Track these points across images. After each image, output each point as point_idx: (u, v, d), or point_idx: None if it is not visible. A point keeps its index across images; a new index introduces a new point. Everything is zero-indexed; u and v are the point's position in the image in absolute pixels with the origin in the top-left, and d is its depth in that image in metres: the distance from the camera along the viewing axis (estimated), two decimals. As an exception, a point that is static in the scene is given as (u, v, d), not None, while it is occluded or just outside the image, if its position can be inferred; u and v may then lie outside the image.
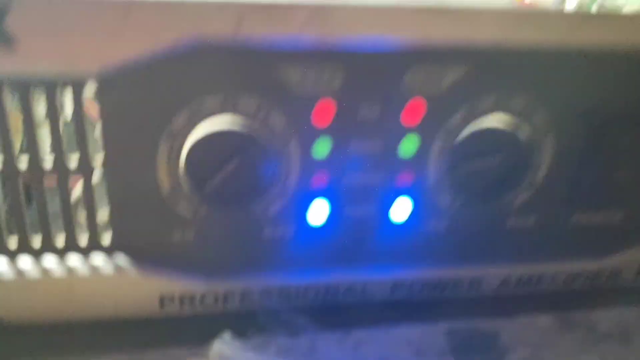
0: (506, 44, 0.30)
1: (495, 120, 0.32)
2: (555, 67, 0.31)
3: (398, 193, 0.33)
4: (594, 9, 0.33)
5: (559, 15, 0.30)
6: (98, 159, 0.29)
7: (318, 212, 0.32)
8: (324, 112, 0.30)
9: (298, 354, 0.29)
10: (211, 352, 0.27)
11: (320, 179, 0.31)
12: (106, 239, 0.31)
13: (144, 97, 0.28)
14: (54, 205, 0.30)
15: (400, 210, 0.33)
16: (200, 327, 0.32)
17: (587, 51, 0.31)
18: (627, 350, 0.33)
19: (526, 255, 0.36)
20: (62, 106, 0.29)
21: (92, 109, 0.29)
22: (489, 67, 0.31)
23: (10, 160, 0.28)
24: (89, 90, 0.28)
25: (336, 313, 0.34)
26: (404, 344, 0.33)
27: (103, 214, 0.30)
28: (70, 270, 0.30)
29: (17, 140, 0.29)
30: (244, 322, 0.32)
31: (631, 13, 0.31)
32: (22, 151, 0.29)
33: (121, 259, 0.31)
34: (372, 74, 0.30)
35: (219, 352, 0.27)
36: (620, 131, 0.33)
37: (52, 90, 0.27)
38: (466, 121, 0.31)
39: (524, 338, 0.34)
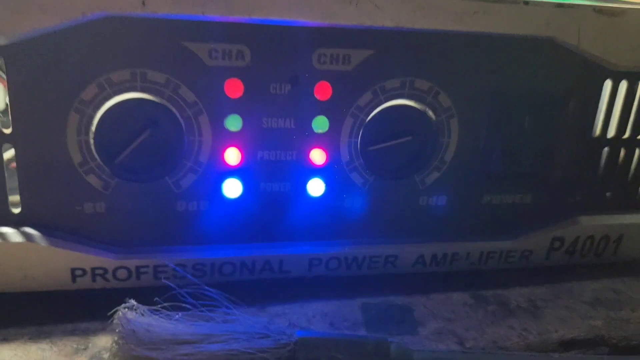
0: (408, 28, 0.31)
1: (402, 100, 0.33)
2: (456, 51, 0.33)
3: (313, 169, 0.34)
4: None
5: (457, 1, 0.32)
6: (7, 131, 0.29)
7: (232, 186, 0.33)
8: (235, 87, 0.31)
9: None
10: (116, 315, 0.27)
11: (233, 153, 0.32)
12: (16, 210, 0.31)
13: (53, 69, 0.29)
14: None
15: (316, 186, 0.34)
16: (112, 301, 0.32)
17: (487, 36, 0.33)
18: (533, 321, 0.34)
19: (440, 234, 0.37)
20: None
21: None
22: (393, 50, 0.32)
23: None
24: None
25: (252, 289, 0.34)
26: (319, 316, 0.33)
27: (13, 185, 0.30)
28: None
29: None
30: (157, 297, 0.32)
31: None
32: None
33: (32, 230, 0.31)
34: (281, 53, 0.31)
35: (125, 314, 0.27)
36: (520, 114, 0.35)
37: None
38: (374, 101, 0.33)
39: (438, 312, 0.35)
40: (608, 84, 0.36)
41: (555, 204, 0.38)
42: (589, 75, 0.35)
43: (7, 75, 0.28)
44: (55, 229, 0.31)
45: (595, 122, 0.37)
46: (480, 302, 0.36)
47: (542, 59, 0.34)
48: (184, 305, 0.28)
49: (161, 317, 0.28)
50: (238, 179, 0.33)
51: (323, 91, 0.32)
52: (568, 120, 0.36)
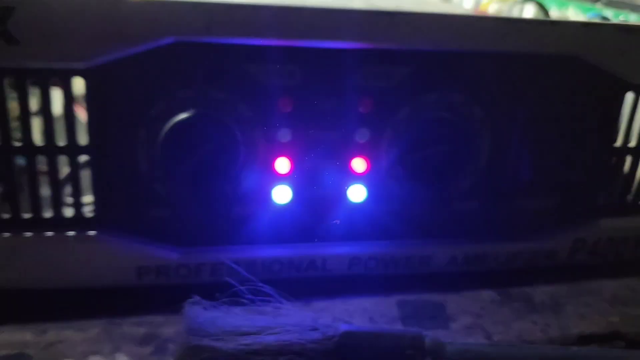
0: (445, 49, 0.34)
1: (438, 113, 0.36)
2: (489, 68, 0.36)
3: (354, 177, 0.37)
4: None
5: (489, 21, 0.34)
6: (84, 144, 0.33)
7: (282, 193, 0.36)
8: (286, 103, 0.34)
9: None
10: (184, 309, 0.30)
11: (283, 162, 0.35)
12: (90, 214, 0.34)
13: (126, 89, 0.32)
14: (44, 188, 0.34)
15: (357, 192, 0.37)
16: (174, 296, 0.35)
17: (517, 54, 0.35)
18: (557, 317, 0.37)
19: (471, 236, 0.40)
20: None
21: (80, 101, 0.33)
22: (431, 68, 0.35)
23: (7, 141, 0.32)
24: (78, 84, 0.31)
25: (298, 286, 0.37)
26: (359, 312, 0.37)
27: (88, 192, 0.34)
28: (55, 242, 0.34)
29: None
30: (214, 293, 0.35)
31: (554, 19, 0.35)
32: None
33: (103, 232, 0.34)
34: (328, 72, 0.34)
35: (191, 308, 0.30)
36: (548, 125, 0.38)
37: (45, 83, 0.31)
38: (412, 113, 0.36)
39: (468, 308, 0.38)
40: (629, 97, 0.38)
41: (579, 207, 0.41)
42: (612, 88, 0.38)
43: (86, 95, 0.32)
44: (124, 232, 0.34)
45: (617, 132, 0.39)
46: (506, 299, 0.39)
47: (567, 75, 0.37)
48: (241, 300, 0.32)
49: (223, 311, 0.31)
50: (287, 185, 0.36)
51: (365, 105, 0.35)
52: (591, 131, 0.39)
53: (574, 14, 0.56)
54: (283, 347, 0.30)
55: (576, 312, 0.38)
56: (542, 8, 0.53)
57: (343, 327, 0.31)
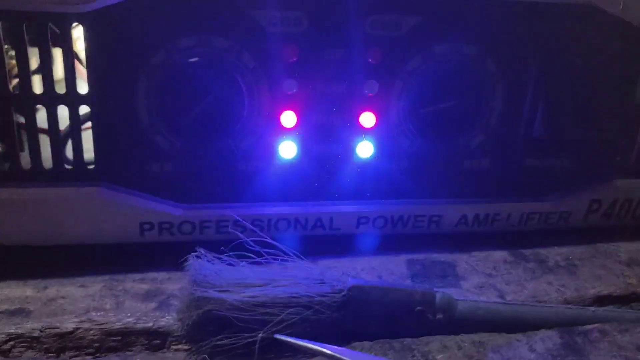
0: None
1: (449, 65, 0.35)
2: (502, 18, 0.34)
3: (362, 132, 0.35)
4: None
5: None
6: (83, 92, 0.32)
7: (287, 149, 0.35)
8: (291, 51, 0.33)
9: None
10: (188, 262, 0.30)
11: (289, 116, 0.34)
12: (91, 166, 0.33)
13: (125, 35, 0.31)
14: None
15: (365, 148, 0.36)
16: (178, 253, 0.34)
17: (531, 3, 0.34)
18: (570, 278, 0.36)
19: (482, 196, 0.38)
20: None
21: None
22: (442, 17, 0.34)
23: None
24: (76, 30, 0.30)
25: (305, 244, 0.36)
26: (367, 269, 0.36)
27: (89, 145, 0.33)
28: (56, 196, 0.33)
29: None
30: (219, 250, 0.34)
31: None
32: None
33: (105, 187, 0.33)
34: (336, 20, 0.33)
35: (195, 261, 0.29)
36: (563, 80, 0.36)
37: (42, 28, 0.30)
38: (422, 65, 0.34)
39: (479, 268, 0.37)
40: (649, 50, 0.37)
41: (595, 167, 0.39)
42: (632, 39, 0.36)
43: (85, 40, 0.31)
44: (126, 186, 0.34)
45: (637, 87, 0.38)
46: (519, 259, 0.38)
47: (584, 25, 0.35)
48: (247, 254, 0.31)
49: (228, 264, 0.30)
50: (293, 141, 0.35)
51: (374, 55, 0.34)
52: (609, 86, 0.37)
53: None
54: (290, 299, 0.29)
55: (592, 274, 0.37)
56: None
57: (351, 281, 0.30)
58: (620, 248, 0.40)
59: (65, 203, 0.33)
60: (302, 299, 0.29)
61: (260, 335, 0.28)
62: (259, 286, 0.29)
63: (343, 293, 0.30)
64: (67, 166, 0.33)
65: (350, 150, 0.36)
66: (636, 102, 0.38)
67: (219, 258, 0.30)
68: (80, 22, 0.30)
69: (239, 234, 0.30)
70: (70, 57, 0.31)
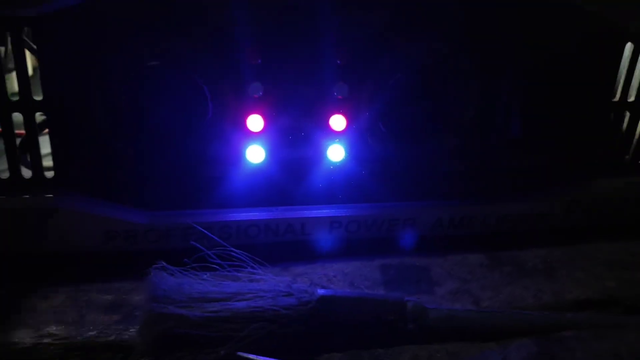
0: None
1: (421, 63, 0.34)
2: (475, 15, 0.33)
3: (333, 135, 0.34)
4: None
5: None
6: (38, 98, 0.30)
7: (255, 153, 0.34)
8: (256, 54, 0.32)
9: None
10: (148, 276, 0.29)
11: (255, 120, 0.33)
12: (50, 174, 0.32)
13: (80, 39, 0.30)
14: None
15: (336, 152, 0.35)
16: (144, 262, 0.33)
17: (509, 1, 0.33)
18: (549, 282, 0.35)
19: (458, 197, 0.37)
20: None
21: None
22: (413, 14, 0.32)
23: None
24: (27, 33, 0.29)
25: (276, 250, 0.35)
26: (339, 276, 0.35)
27: (48, 153, 0.32)
28: (20, 205, 0.32)
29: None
30: (186, 258, 0.33)
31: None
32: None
33: (66, 195, 0.32)
34: (302, 19, 0.32)
35: (156, 275, 0.28)
36: (540, 78, 0.35)
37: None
38: (394, 64, 0.33)
39: (454, 273, 0.36)
40: (629, 48, 0.36)
41: (573, 167, 0.38)
42: (610, 38, 0.35)
43: (36, 45, 0.29)
44: (89, 194, 0.33)
45: (615, 85, 0.37)
46: (496, 263, 0.37)
47: (562, 22, 0.34)
48: (212, 266, 0.30)
49: (190, 277, 0.29)
50: (261, 145, 0.34)
51: (343, 56, 0.33)
52: (587, 84, 0.36)
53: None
54: (254, 313, 0.28)
55: (571, 277, 0.36)
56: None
57: (319, 292, 0.29)
58: (600, 249, 0.39)
59: (25, 213, 0.32)
60: (267, 313, 0.28)
61: (222, 352, 0.27)
62: (222, 300, 0.28)
63: (310, 305, 0.29)
64: (25, 175, 0.32)
65: (321, 154, 0.35)
66: (614, 100, 0.37)
67: (181, 271, 0.29)
68: (31, 26, 0.29)
69: (200, 246, 0.29)
70: (22, 62, 0.29)
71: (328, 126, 0.34)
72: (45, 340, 0.29)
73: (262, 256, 0.33)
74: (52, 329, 0.30)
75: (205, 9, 0.30)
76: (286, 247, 0.36)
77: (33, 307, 0.32)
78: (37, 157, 0.31)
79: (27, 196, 0.32)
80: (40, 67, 0.30)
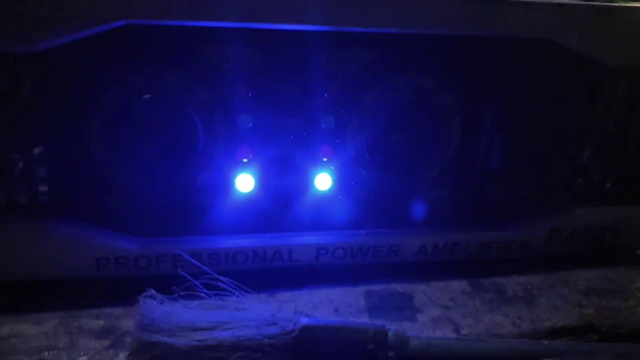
0: (412, 31, 0.33)
1: (406, 98, 0.35)
2: (459, 52, 0.34)
3: (320, 164, 0.35)
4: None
5: (458, 3, 0.33)
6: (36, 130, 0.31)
7: (244, 181, 0.35)
8: (247, 87, 0.33)
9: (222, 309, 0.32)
10: (137, 304, 0.29)
11: (245, 150, 0.34)
12: (45, 204, 0.33)
13: (77, 73, 0.31)
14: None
15: (323, 180, 0.36)
16: (135, 288, 0.34)
17: (488, 37, 0.34)
18: (527, 309, 0.36)
19: (441, 225, 0.39)
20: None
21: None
22: (398, 51, 0.34)
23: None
24: (27, 68, 0.30)
25: (263, 276, 0.36)
26: (325, 303, 0.36)
27: (42, 181, 0.33)
28: (11, 233, 0.33)
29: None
30: (176, 283, 0.34)
31: (528, 0, 0.34)
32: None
33: (59, 222, 0.33)
34: (292, 55, 0.33)
35: (145, 303, 0.29)
36: (521, 112, 0.36)
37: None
38: (379, 99, 0.34)
39: (437, 299, 0.37)
40: (606, 81, 0.37)
41: (554, 195, 0.40)
42: (588, 73, 0.36)
43: (34, 80, 0.30)
44: (82, 221, 0.33)
45: (595, 117, 0.38)
46: (478, 289, 0.38)
47: (542, 59, 0.36)
48: (199, 294, 0.31)
49: (178, 306, 0.30)
50: (250, 174, 0.35)
51: (330, 90, 0.34)
52: (568, 116, 0.37)
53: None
54: (238, 342, 0.29)
55: (549, 304, 0.37)
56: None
57: (303, 321, 0.30)
58: (579, 276, 0.40)
59: (19, 239, 0.33)
60: (251, 342, 0.29)
61: (207, 380, 0.28)
62: (208, 329, 0.29)
63: (294, 334, 0.30)
64: (20, 202, 0.33)
65: (309, 183, 0.36)
66: (594, 132, 0.38)
67: (170, 299, 0.30)
68: (29, 63, 0.30)
69: (188, 276, 0.30)
70: (18, 97, 0.30)
71: (315, 156, 0.35)
72: (37, 366, 0.30)
73: (249, 282, 0.34)
74: (44, 354, 0.31)
75: (197, 45, 0.31)
76: (273, 274, 0.37)
77: (25, 332, 0.32)
78: (34, 185, 0.32)
79: (22, 222, 0.33)
80: (38, 102, 0.31)
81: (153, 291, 0.30)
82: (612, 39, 0.35)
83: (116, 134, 0.32)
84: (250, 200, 0.36)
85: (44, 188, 0.33)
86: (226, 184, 0.35)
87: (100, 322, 0.33)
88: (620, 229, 0.41)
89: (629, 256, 0.42)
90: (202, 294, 0.30)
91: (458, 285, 0.38)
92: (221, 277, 0.31)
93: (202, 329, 0.29)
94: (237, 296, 0.31)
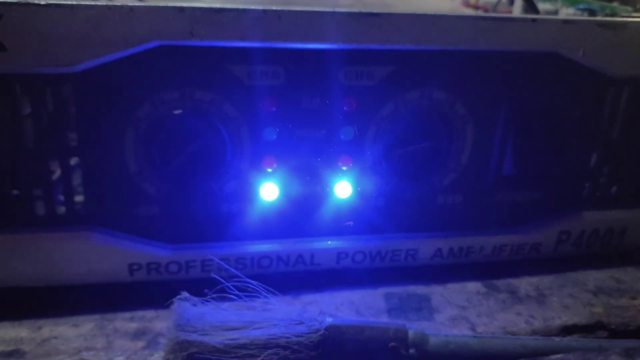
0: (426, 47, 0.35)
1: (421, 110, 0.37)
2: (471, 66, 0.36)
3: (340, 173, 0.37)
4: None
5: (469, 20, 0.35)
6: (73, 144, 0.33)
7: (269, 190, 0.37)
8: (271, 102, 0.35)
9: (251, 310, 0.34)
10: (173, 306, 0.31)
11: (269, 160, 0.36)
12: (82, 213, 0.35)
13: (113, 91, 0.33)
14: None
15: (343, 188, 0.38)
16: (166, 291, 0.36)
17: (499, 52, 0.36)
18: (539, 308, 0.38)
19: (456, 230, 0.40)
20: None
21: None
22: (413, 66, 0.36)
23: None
24: (68, 86, 0.32)
25: (287, 280, 0.38)
26: (346, 304, 0.37)
27: (79, 192, 0.35)
28: (50, 240, 0.35)
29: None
30: (205, 287, 0.36)
31: (534, 17, 0.36)
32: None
33: (95, 230, 0.35)
34: (313, 72, 0.35)
35: (180, 305, 0.31)
36: (530, 120, 0.38)
37: (33, 88, 0.32)
38: (395, 111, 0.36)
39: (453, 300, 0.39)
40: (611, 91, 0.39)
41: (563, 200, 0.41)
42: (594, 84, 0.38)
43: (75, 97, 0.32)
44: (116, 229, 0.35)
45: (600, 126, 0.40)
46: (492, 290, 0.40)
47: (549, 71, 0.37)
48: (230, 296, 0.33)
49: (211, 307, 0.32)
50: (274, 182, 0.37)
51: (349, 104, 0.36)
52: (575, 126, 0.39)
53: (562, 7, 0.57)
54: (269, 341, 0.31)
55: (560, 303, 0.39)
56: (530, 1, 0.53)
57: (328, 321, 0.32)
58: (589, 277, 0.42)
59: (57, 246, 0.35)
60: (280, 340, 0.31)
61: (240, 376, 0.30)
62: (240, 329, 0.31)
63: (320, 333, 0.31)
64: (59, 212, 0.35)
65: (329, 191, 0.38)
66: (599, 139, 0.40)
67: (202, 301, 0.32)
68: (71, 82, 0.32)
69: (220, 278, 0.32)
70: (60, 113, 0.32)
71: (335, 166, 0.37)
72: (78, 365, 0.32)
73: (274, 285, 0.35)
74: (83, 354, 0.33)
75: (224, 64, 0.33)
76: (297, 277, 0.39)
77: (65, 334, 0.34)
78: (71, 195, 0.34)
79: (60, 231, 0.35)
80: (77, 117, 0.33)
81: (187, 294, 0.32)
82: (616, 51, 0.37)
83: (149, 147, 0.34)
84: (275, 208, 0.37)
85: (80, 198, 0.35)
86: (251, 193, 0.37)
87: (134, 325, 0.35)
88: (626, 231, 0.43)
89: (636, 257, 0.44)
90: (233, 296, 0.32)
91: (473, 286, 0.40)
92: (249, 280, 0.33)
93: (235, 329, 0.31)
94: (265, 298, 0.33)
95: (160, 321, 0.36)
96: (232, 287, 0.32)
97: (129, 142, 0.34)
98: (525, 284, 0.41)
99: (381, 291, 0.39)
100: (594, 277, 0.42)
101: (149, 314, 0.36)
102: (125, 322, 0.36)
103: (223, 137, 0.35)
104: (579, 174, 0.41)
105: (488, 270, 0.41)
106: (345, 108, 0.36)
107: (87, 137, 0.33)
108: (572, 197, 0.42)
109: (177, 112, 0.34)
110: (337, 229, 0.39)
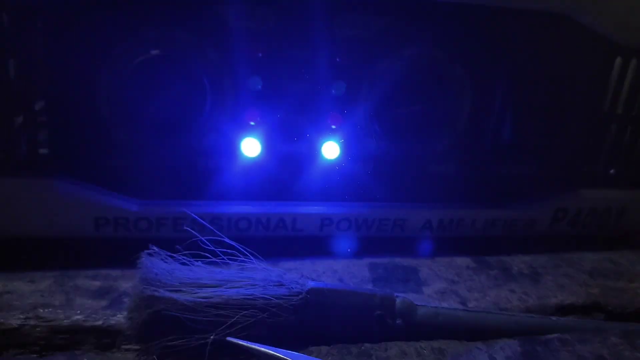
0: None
1: (417, 68, 0.34)
2: (472, 23, 0.34)
3: (328, 132, 0.35)
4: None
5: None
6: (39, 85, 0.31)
7: (250, 146, 0.34)
8: (257, 48, 0.32)
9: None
10: (140, 260, 0.29)
11: (252, 113, 0.33)
12: (46, 160, 0.32)
13: (85, 27, 0.30)
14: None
15: (331, 149, 0.35)
16: (133, 250, 0.33)
17: (503, 9, 0.34)
18: (533, 286, 0.36)
19: (447, 200, 0.38)
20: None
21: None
22: (412, 19, 0.33)
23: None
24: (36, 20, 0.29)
25: (266, 245, 0.35)
26: (328, 272, 0.35)
27: (44, 137, 0.32)
28: (8, 187, 0.32)
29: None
30: (175, 249, 0.33)
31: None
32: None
33: (59, 179, 0.32)
34: (305, 18, 0.32)
35: (148, 259, 0.28)
36: (532, 88, 0.36)
37: None
38: (391, 67, 0.34)
39: (442, 274, 0.36)
40: (618, 61, 0.37)
41: (561, 176, 0.39)
42: (602, 51, 0.36)
43: (41, 31, 0.29)
44: (82, 180, 0.33)
45: (605, 98, 0.38)
46: (483, 266, 0.38)
47: (556, 34, 0.35)
48: (203, 254, 0.30)
49: (182, 263, 0.29)
50: (257, 138, 0.34)
51: (342, 55, 0.33)
52: (578, 95, 0.37)
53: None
54: (245, 301, 0.28)
55: (555, 283, 0.37)
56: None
57: (310, 284, 0.30)
58: (584, 257, 0.40)
59: (16, 195, 0.32)
60: (257, 301, 0.28)
61: (211, 337, 0.27)
62: (213, 287, 0.28)
63: (301, 296, 0.29)
64: (20, 157, 0.32)
65: (316, 151, 0.35)
66: (603, 112, 0.38)
67: (173, 257, 0.29)
68: (39, 12, 0.29)
69: (193, 231, 0.29)
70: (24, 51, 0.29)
71: (324, 123, 0.34)
72: (31, 322, 0.29)
73: (252, 250, 0.33)
74: (39, 311, 0.30)
75: (208, 3, 0.31)
76: (276, 243, 0.36)
77: (19, 289, 0.31)
78: (34, 141, 0.31)
79: (20, 177, 0.32)
80: (45, 53, 0.30)
81: (157, 249, 0.29)
82: (629, 17, 0.35)
83: (123, 91, 0.31)
84: (256, 166, 0.35)
85: (44, 143, 0.32)
86: (231, 148, 0.34)
87: (97, 283, 0.33)
88: (625, 212, 0.41)
89: (634, 239, 0.42)
90: (207, 254, 0.30)
91: (463, 261, 0.38)
92: (225, 238, 0.30)
93: (207, 286, 0.28)
94: (243, 257, 0.30)
95: (125, 280, 0.33)
96: (206, 242, 0.29)
97: (102, 84, 0.31)
98: (518, 261, 0.38)
99: (366, 261, 0.37)
100: (590, 259, 0.40)
101: (114, 272, 0.33)
102: (87, 279, 0.33)
103: (203, 84, 0.32)
104: (579, 148, 0.39)
105: (479, 246, 0.39)
106: (337, 60, 0.33)
107: (55, 77, 0.30)
108: (570, 173, 0.39)
109: (154, 52, 0.31)
110: (322, 193, 0.36)
